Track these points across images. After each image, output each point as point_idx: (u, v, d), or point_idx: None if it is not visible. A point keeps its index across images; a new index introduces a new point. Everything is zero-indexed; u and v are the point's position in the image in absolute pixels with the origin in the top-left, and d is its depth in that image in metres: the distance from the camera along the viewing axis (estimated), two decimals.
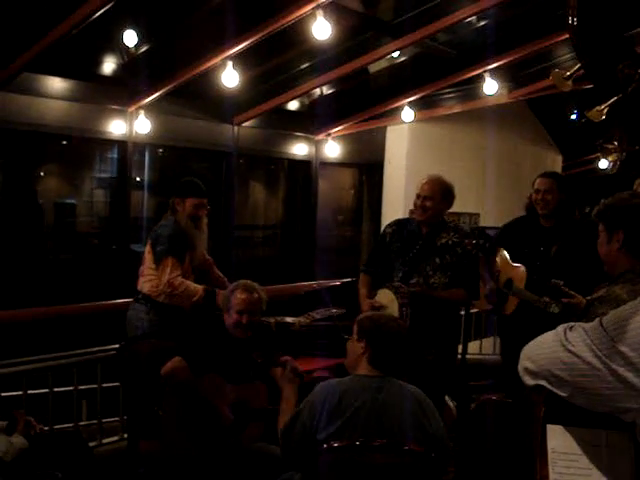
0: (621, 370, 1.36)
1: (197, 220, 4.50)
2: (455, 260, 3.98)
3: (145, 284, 4.46)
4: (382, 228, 4.27)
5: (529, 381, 1.56)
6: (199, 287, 4.38)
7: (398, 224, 4.22)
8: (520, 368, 1.61)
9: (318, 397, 2.80)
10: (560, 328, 1.54)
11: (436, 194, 3.99)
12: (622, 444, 1.46)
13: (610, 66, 1.23)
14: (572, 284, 3.61)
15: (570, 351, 1.45)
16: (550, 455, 1.48)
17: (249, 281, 3.71)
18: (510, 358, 4.66)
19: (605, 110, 1.31)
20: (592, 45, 1.25)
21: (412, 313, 3.73)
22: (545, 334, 1.59)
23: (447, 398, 4.60)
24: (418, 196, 4.02)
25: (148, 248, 4.50)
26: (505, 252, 4.53)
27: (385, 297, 3.97)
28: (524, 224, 4.53)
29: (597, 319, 1.47)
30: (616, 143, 1.30)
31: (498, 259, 4.57)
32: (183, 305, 4.35)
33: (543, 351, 1.54)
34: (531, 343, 1.61)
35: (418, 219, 4.06)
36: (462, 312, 4.67)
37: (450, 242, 4.01)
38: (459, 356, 4.66)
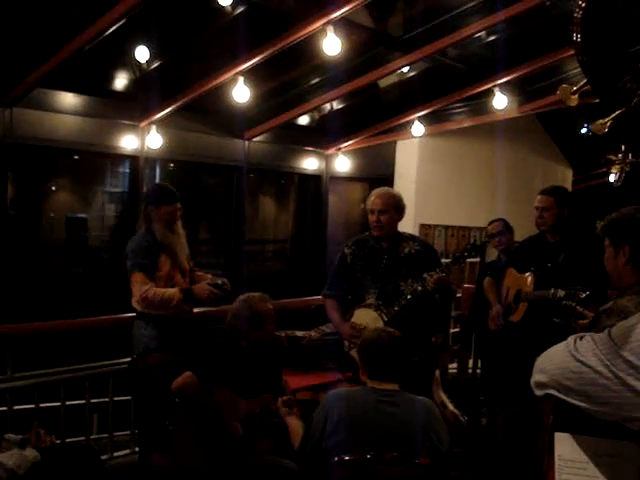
0: (630, 379, 1.37)
1: (172, 225, 4.48)
2: (422, 265, 3.96)
3: (133, 300, 4.48)
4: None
5: (539, 392, 1.57)
6: (173, 290, 4.30)
7: (356, 243, 4.22)
8: (532, 380, 1.62)
9: (328, 404, 2.86)
10: (570, 338, 1.55)
11: (389, 207, 4.04)
12: (629, 453, 1.47)
13: (614, 81, 1.25)
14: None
15: (579, 360, 1.46)
16: (557, 462, 1.49)
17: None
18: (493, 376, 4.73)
19: (608, 123, 1.33)
20: (596, 61, 1.27)
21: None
22: (556, 345, 1.60)
23: (447, 400, 4.61)
24: (372, 212, 4.05)
25: None
26: (513, 269, 4.56)
27: (366, 317, 3.99)
28: (533, 241, 4.54)
29: (606, 330, 1.48)
30: (620, 155, 1.32)
31: (506, 280, 4.59)
32: (167, 313, 4.31)
33: (553, 361, 1.55)
34: (542, 355, 1.63)
35: (376, 234, 4.08)
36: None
37: (413, 250, 4.06)
38: (469, 371, 4.66)
